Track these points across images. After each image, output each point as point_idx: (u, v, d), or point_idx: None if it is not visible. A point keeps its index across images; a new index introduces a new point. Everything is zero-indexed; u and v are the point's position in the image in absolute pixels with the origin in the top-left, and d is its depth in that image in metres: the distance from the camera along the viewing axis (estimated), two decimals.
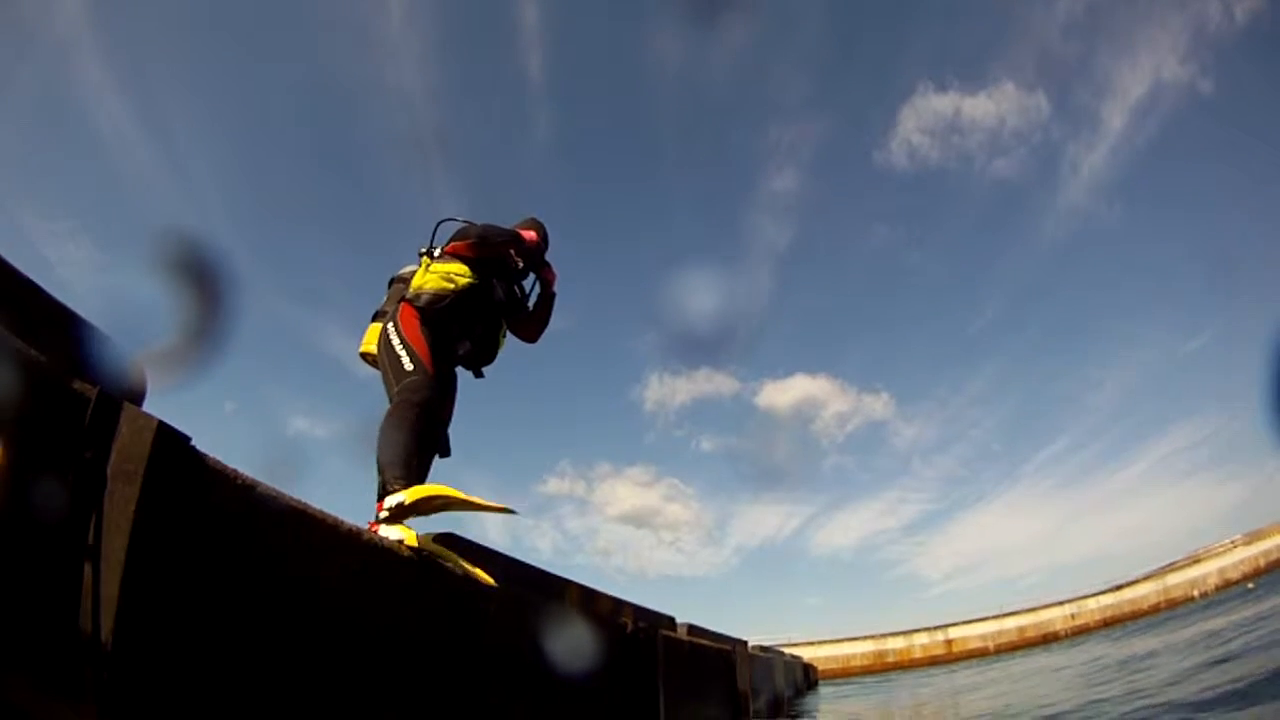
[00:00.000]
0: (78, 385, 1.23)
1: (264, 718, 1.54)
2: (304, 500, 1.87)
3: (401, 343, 2.88)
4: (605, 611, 4.32)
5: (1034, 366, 79.72)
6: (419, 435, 2.71)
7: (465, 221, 3.24)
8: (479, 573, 2.49)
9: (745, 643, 8.46)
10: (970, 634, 31.43)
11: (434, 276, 3.04)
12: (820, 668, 20.08)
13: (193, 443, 1.42)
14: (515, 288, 3.41)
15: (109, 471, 1.21)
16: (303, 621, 1.77)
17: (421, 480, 2.66)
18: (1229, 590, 24.14)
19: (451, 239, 3.20)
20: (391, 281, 3.35)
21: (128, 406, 1.29)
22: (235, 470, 1.59)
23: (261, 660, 1.57)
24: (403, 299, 3.06)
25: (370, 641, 2.08)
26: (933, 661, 30.09)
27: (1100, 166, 68.98)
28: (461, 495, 2.58)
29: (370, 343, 3.11)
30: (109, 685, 1.08)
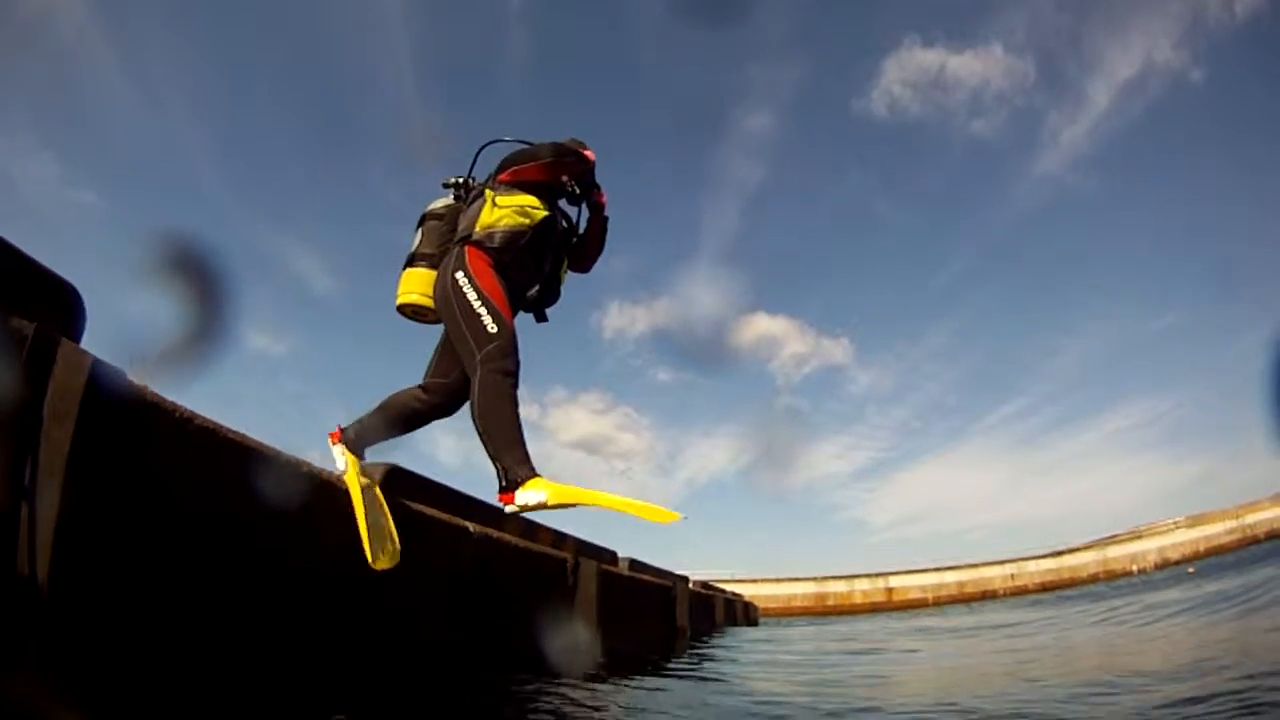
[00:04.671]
0: (14, 322, 1.28)
1: (203, 649, 1.67)
2: (242, 431, 1.96)
3: (479, 297, 2.60)
4: (546, 544, 4.55)
5: (996, 326, 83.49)
6: (518, 410, 2.56)
7: (517, 141, 2.95)
8: (390, 530, 2.47)
9: (686, 579, 8.93)
10: (910, 584, 33.26)
11: (506, 211, 2.75)
12: (762, 606, 21.15)
13: (129, 377, 1.49)
14: (564, 216, 3.13)
15: (45, 411, 1.28)
16: (241, 553, 1.89)
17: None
18: (1168, 569, 25.62)
19: (512, 163, 2.88)
20: (423, 219, 3.01)
21: (64, 343, 1.35)
22: (173, 403, 1.67)
23: (200, 593, 1.69)
24: (467, 240, 2.75)
25: (311, 572, 2.22)
26: (873, 608, 31.86)
27: (1080, 140, 71.37)
28: (617, 502, 2.41)
29: (412, 291, 2.84)
30: (47, 626, 1.19)
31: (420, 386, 2.82)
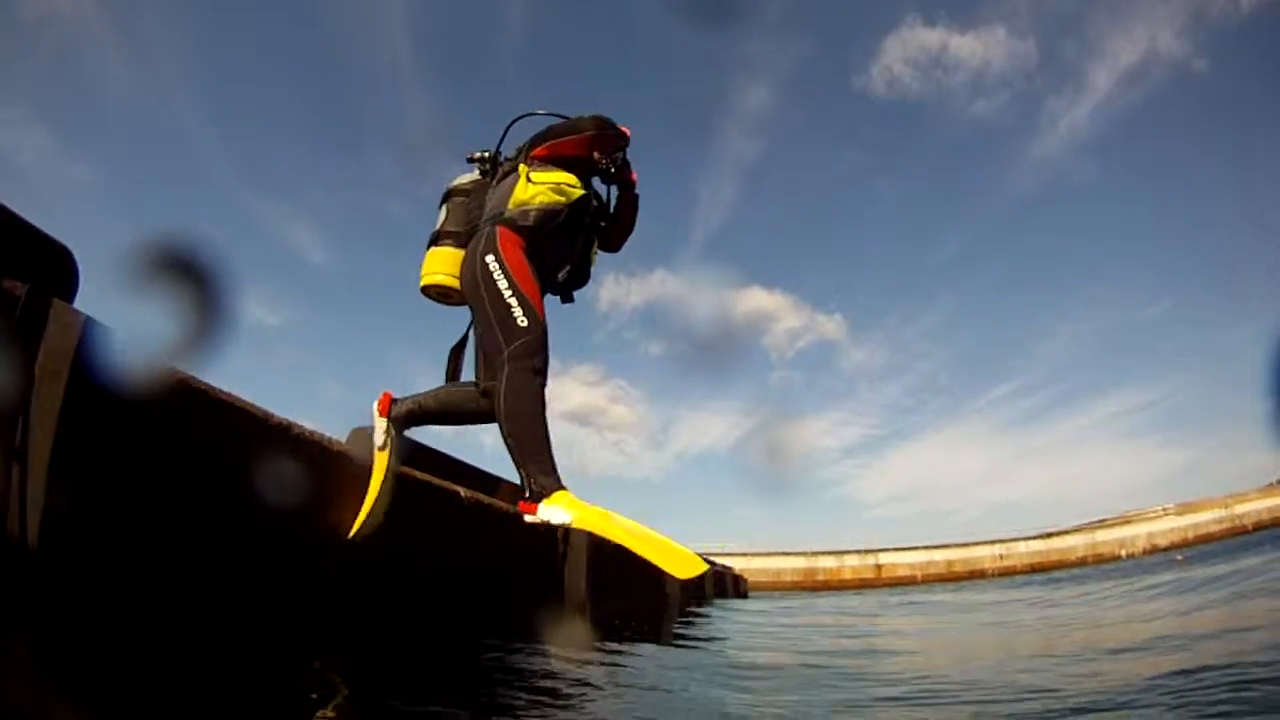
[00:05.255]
0: (6, 283, 1.29)
1: (192, 612, 1.70)
2: (235, 394, 1.97)
3: (510, 286, 2.46)
4: None
5: (990, 307, 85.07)
6: (546, 413, 2.44)
7: (552, 115, 2.81)
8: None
9: None
10: (900, 561, 33.72)
11: (542, 189, 2.60)
12: (751, 580, 21.47)
13: (121, 337, 1.50)
14: (595, 194, 2.98)
15: (37, 370, 1.29)
16: (233, 515, 1.91)
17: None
18: (1156, 556, 25.95)
19: (549, 137, 2.73)
20: (447, 195, 2.88)
21: (56, 303, 1.35)
22: (167, 364, 1.67)
23: (190, 556, 1.72)
24: (498, 219, 2.60)
25: (300, 536, 2.24)
26: (861, 584, 32.32)
27: (1080, 124, 72.37)
28: (641, 540, 2.27)
29: (437, 272, 2.72)
30: (37, 588, 1.21)
31: (481, 390, 2.69)
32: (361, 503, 2.46)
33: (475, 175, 2.90)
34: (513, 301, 2.44)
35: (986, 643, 5.18)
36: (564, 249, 2.74)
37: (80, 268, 1.51)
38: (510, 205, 2.61)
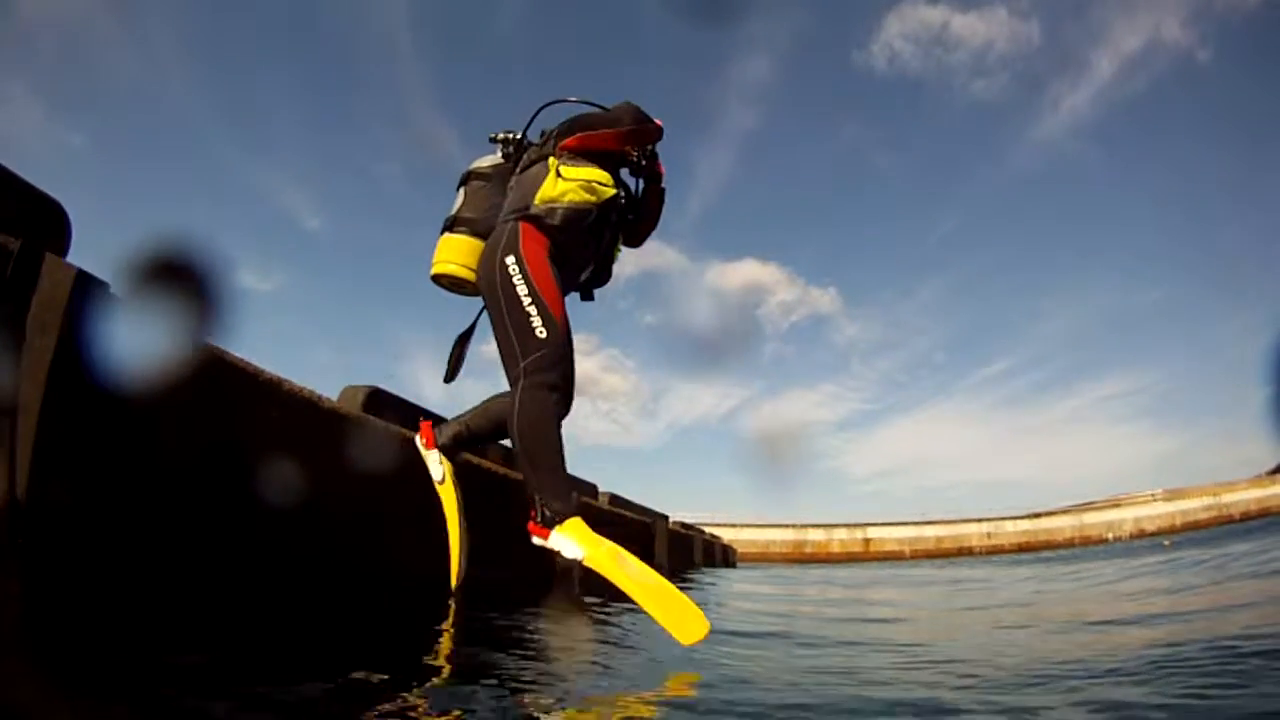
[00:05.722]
0: (0, 237, 1.31)
1: (177, 564, 1.75)
2: (224, 348, 2.01)
3: (530, 292, 2.32)
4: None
5: (986, 287, 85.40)
6: (561, 431, 2.33)
7: (584, 103, 2.66)
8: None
9: (666, 518, 9.17)
10: (888, 536, 34.21)
11: (572, 186, 2.44)
12: (740, 551, 21.73)
13: (112, 290, 1.52)
14: (625, 189, 2.81)
15: (28, 324, 1.32)
16: (219, 467, 1.95)
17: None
18: (1142, 540, 26.28)
19: (583, 128, 2.56)
20: (466, 178, 2.73)
21: (49, 257, 1.37)
22: (157, 318, 1.70)
23: (176, 507, 1.76)
24: (523, 214, 2.45)
25: (285, 489, 2.29)
26: (850, 558, 32.79)
27: (1081, 108, 72.35)
28: (648, 594, 2.18)
29: (450, 261, 2.59)
30: (25, 542, 1.25)
31: None
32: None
33: (497, 158, 2.76)
34: (532, 310, 2.32)
35: (978, 614, 5.28)
36: (589, 249, 2.62)
37: (73, 223, 1.53)
38: (537, 201, 2.46)
